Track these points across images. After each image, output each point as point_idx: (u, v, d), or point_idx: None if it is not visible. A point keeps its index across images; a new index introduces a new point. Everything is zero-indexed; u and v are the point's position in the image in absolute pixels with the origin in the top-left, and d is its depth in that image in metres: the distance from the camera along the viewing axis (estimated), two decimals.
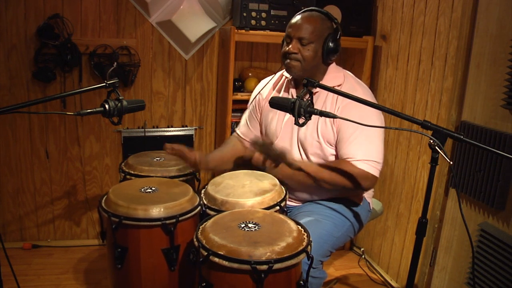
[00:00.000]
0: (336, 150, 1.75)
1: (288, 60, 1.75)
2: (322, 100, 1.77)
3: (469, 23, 1.95)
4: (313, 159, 1.79)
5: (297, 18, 1.75)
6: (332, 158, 1.77)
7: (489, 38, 1.87)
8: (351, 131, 1.67)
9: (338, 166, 1.66)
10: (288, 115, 1.83)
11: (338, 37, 1.75)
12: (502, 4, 1.80)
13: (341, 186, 1.66)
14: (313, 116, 1.71)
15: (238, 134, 2.06)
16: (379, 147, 1.70)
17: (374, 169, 1.66)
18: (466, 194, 1.94)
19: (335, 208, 1.78)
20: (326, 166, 1.69)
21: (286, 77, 1.89)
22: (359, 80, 1.85)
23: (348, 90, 1.66)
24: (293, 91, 1.85)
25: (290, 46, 1.73)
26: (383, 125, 1.77)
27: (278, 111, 1.86)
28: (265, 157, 1.71)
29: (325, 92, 1.76)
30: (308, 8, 1.79)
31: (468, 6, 1.95)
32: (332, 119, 1.72)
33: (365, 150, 1.66)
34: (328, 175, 1.66)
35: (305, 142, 1.78)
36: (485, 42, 1.89)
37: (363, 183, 1.64)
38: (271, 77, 2.00)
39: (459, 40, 2.01)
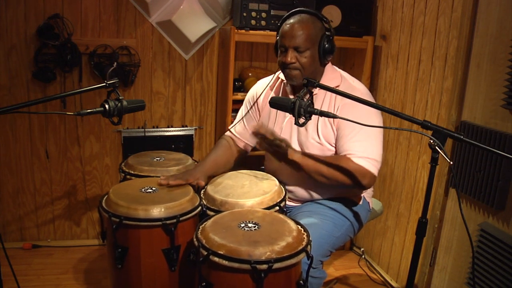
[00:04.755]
0: (335, 148, 1.75)
1: (288, 70, 1.73)
2: (320, 101, 1.76)
3: (469, 23, 1.95)
4: None
5: (288, 25, 1.70)
6: None
7: (489, 38, 1.87)
8: (351, 129, 1.67)
9: (337, 161, 1.65)
10: (287, 118, 1.83)
11: (332, 37, 1.73)
12: (502, 4, 1.80)
13: (339, 181, 1.64)
14: (313, 118, 1.72)
15: (233, 134, 2.02)
16: (378, 146, 1.70)
17: (373, 167, 1.65)
18: (466, 194, 1.94)
19: (334, 208, 1.78)
20: (325, 159, 1.68)
21: (282, 80, 1.89)
22: (355, 79, 1.84)
23: (346, 90, 1.66)
24: (289, 93, 1.84)
25: (287, 57, 1.69)
26: (382, 124, 1.76)
27: (277, 113, 1.87)
28: (267, 145, 1.65)
29: (323, 93, 1.76)
30: (296, 10, 1.74)
31: (468, 6, 1.95)
32: (331, 120, 1.72)
33: (365, 147, 1.65)
34: (327, 169, 1.64)
35: (306, 144, 1.78)
36: (485, 42, 1.89)
37: (361, 180, 1.63)
38: (268, 78, 1.99)
39: (459, 40, 2.01)
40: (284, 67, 1.74)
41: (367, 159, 1.64)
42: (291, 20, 1.71)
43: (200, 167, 1.84)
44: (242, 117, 2.00)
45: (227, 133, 2.04)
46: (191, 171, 1.82)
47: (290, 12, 1.75)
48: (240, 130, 2.01)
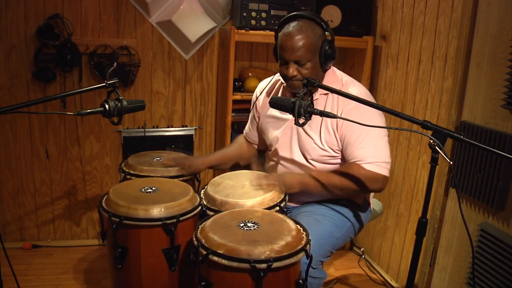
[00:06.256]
0: (342, 155, 1.74)
1: (290, 82, 1.72)
2: (321, 107, 1.75)
3: (469, 23, 1.95)
4: (314, 163, 1.78)
5: (287, 36, 1.65)
6: (334, 162, 1.77)
7: (489, 38, 1.87)
8: (357, 135, 1.66)
9: (348, 171, 1.65)
10: (287, 122, 1.83)
11: (332, 42, 1.70)
12: (502, 4, 1.80)
13: (353, 190, 1.65)
14: (315, 124, 1.72)
15: (244, 134, 2.12)
16: (386, 147, 1.70)
17: (384, 169, 1.65)
18: (466, 194, 1.94)
19: (335, 208, 1.78)
20: (336, 172, 1.68)
21: (282, 82, 1.88)
22: (356, 81, 1.83)
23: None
24: (290, 95, 1.84)
25: (288, 70, 1.68)
26: (385, 126, 1.76)
27: (277, 117, 1.87)
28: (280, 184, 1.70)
29: (324, 98, 1.75)
30: (294, 14, 1.70)
31: (468, 6, 1.95)
32: (334, 127, 1.71)
33: (373, 152, 1.65)
34: (339, 180, 1.65)
35: (308, 148, 1.77)
36: (485, 42, 1.89)
37: (374, 185, 1.64)
38: (269, 79, 1.99)
39: (459, 40, 2.01)
40: (286, 79, 1.74)
41: (376, 163, 1.64)
42: (290, 29, 1.66)
43: (205, 157, 2.00)
44: (248, 119, 2.08)
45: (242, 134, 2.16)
46: (194, 158, 2.00)
47: (289, 15, 1.72)
48: (246, 131, 2.09)
